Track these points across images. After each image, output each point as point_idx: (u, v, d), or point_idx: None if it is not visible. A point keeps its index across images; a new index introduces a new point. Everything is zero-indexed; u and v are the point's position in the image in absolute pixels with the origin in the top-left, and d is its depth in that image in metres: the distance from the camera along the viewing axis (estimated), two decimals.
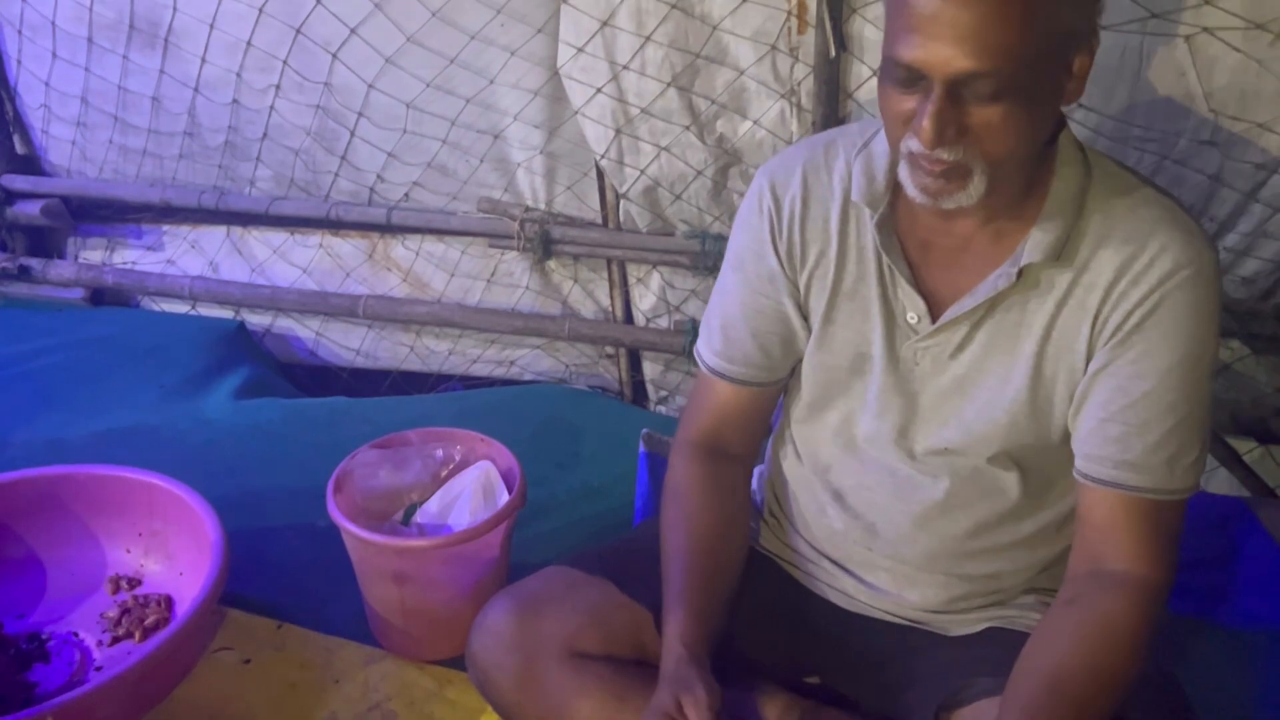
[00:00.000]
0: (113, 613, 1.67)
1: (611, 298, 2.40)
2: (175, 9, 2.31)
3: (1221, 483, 2.02)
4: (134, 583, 1.73)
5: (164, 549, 1.74)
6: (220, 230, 2.68)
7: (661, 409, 2.49)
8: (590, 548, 1.43)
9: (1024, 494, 1.23)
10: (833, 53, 1.83)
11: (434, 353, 2.60)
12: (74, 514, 1.76)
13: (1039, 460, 1.22)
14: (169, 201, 2.60)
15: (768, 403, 1.38)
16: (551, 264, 2.41)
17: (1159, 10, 1.63)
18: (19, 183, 2.69)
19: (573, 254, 2.35)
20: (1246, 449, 2.00)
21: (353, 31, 2.19)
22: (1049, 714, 1.07)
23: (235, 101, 2.40)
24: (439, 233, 2.46)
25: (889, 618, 1.33)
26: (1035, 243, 1.12)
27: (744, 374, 1.33)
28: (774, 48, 1.91)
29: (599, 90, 2.05)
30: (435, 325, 2.53)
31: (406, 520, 1.67)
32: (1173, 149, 1.76)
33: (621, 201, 2.22)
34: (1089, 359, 1.14)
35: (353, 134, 2.35)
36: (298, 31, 2.24)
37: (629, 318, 2.41)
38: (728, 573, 1.32)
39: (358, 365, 2.68)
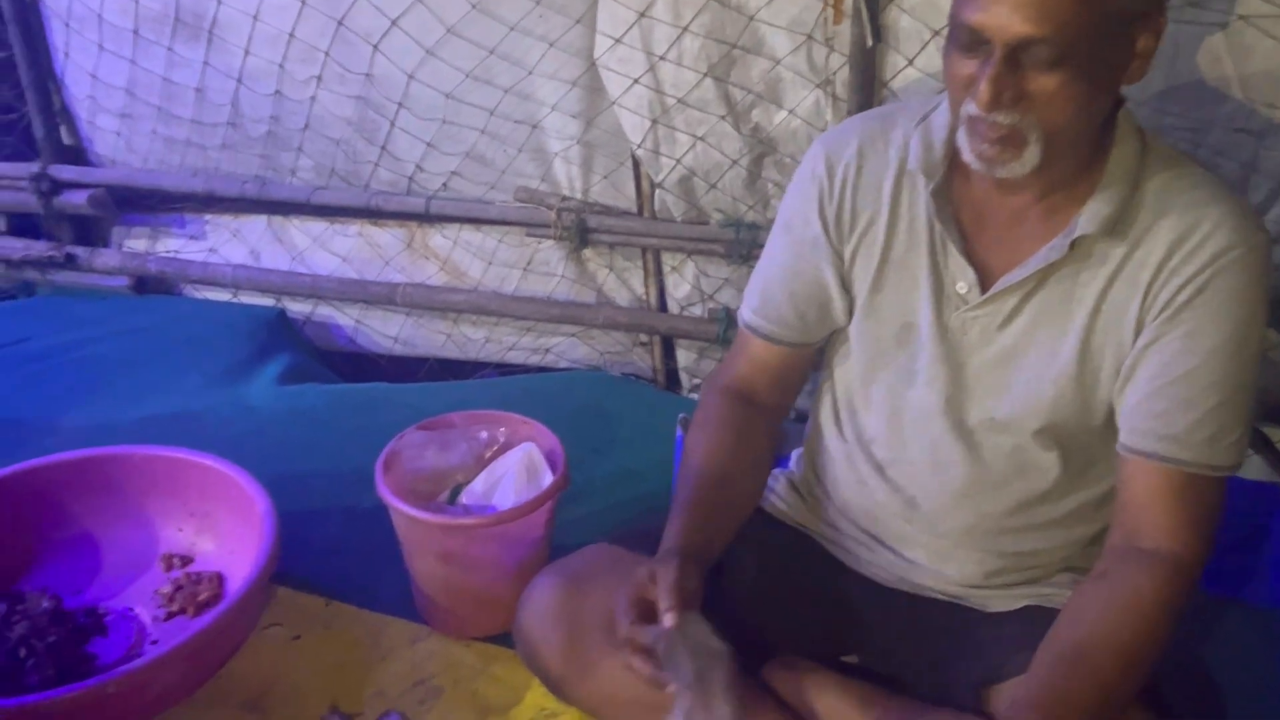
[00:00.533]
0: (166, 589, 1.70)
1: (646, 286, 2.43)
2: (220, 2, 2.35)
3: (1253, 468, 2.02)
4: (186, 560, 1.76)
5: (215, 528, 1.77)
6: (261, 219, 2.71)
7: (695, 396, 2.50)
8: (632, 526, 1.46)
9: (1063, 474, 1.25)
10: (869, 42, 1.85)
11: (471, 340, 2.63)
12: (127, 494, 1.79)
13: (1080, 441, 1.24)
14: (212, 191, 2.64)
15: (801, 362, 1.40)
16: (587, 253, 2.44)
17: None
18: (66, 173, 2.73)
19: (608, 243, 2.37)
20: (1278, 436, 2.00)
21: (393, 23, 2.22)
22: (1067, 685, 1.08)
23: (277, 92, 2.44)
24: (476, 222, 2.48)
25: (928, 593, 1.35)
26: (1090, 214, 1.13)
27: (776, 332, 1.36)
28: (810, 38, 1.93)
29: (636, 81, 2.07)
30: (472, 313, 2.56)
31: (452, 500, 1.69)
32: (1207, 136, 1.76)
33: (657, 191, 2.24)
34: (1138, 333, 1.15)
35: (392, 124, 2.38)
36: (339, 23, 2.27)
37: (663, 306, 2.43)
38: (736, 506, 1.35)
39: (396, 352, 2.71)
